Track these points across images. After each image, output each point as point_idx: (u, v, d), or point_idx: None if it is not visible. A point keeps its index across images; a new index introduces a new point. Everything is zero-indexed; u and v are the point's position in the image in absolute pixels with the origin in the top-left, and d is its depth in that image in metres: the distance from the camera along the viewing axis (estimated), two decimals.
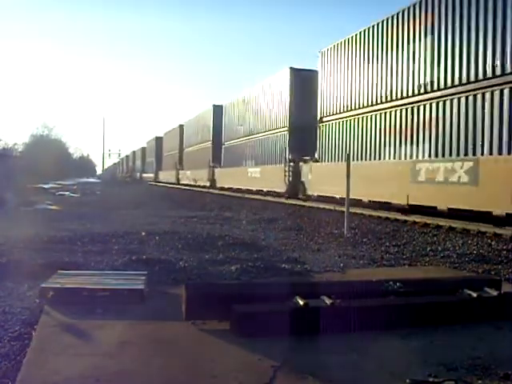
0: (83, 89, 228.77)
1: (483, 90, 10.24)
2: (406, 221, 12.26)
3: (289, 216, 13.78)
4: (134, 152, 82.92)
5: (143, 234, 8.69)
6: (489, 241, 9.05)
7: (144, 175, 65.25)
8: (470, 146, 10.26)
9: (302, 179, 18.31)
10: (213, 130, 31.58)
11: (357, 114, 15.03)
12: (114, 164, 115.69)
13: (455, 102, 11.02)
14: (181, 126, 43.57)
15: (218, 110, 31.24)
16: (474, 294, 4.03)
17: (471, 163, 9.98)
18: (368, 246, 8.20)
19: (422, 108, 12.10)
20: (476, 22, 10.49)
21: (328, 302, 3.69)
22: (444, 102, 11.34)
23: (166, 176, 47.98)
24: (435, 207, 11.09)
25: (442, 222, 11.19)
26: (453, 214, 10.54)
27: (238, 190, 25.05)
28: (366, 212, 14.14)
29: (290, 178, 18.91)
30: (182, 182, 39.77)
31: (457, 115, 10.91)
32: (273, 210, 16.32)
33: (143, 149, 70.53)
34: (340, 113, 16.13)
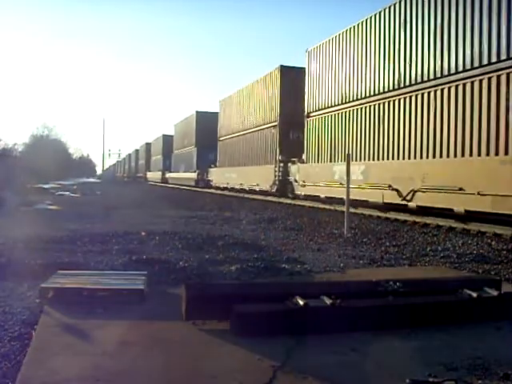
0: (83, 89, 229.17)
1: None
2: (405, 221, 12.26)
3: (289, 216, 13.78)
4: (147, 144, 64.91)
5: (143, 233, 8.69)
6: (489, 241, 9.05)
7: (170, 175, 45.71)
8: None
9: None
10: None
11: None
12: (118, 161, 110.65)
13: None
14: (274, 72, 21.71)
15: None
16: (474, 294, 4.03)
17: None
18: (368, 246, 8.20)
19: None
20: None
21: (328, 302, 3.69)
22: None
23: (238, 178, 25.36)
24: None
25: (442, 222, 11.20)
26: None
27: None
28: (366, 212, 14.15)
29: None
30: (307, 193, 17.61)
31: None
32: (273, 210, 16.33)
33: (166, 138, 51.19)
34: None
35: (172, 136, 48.30)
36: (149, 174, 60.64)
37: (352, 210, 12.19)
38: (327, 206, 16.13)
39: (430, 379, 2.77)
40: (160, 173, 51.17)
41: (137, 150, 77.15)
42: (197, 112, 37.51)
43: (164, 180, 48.49)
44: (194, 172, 35.52)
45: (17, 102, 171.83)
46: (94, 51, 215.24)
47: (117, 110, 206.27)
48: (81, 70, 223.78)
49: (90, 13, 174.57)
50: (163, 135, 53.23)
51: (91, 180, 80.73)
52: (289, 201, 19.71)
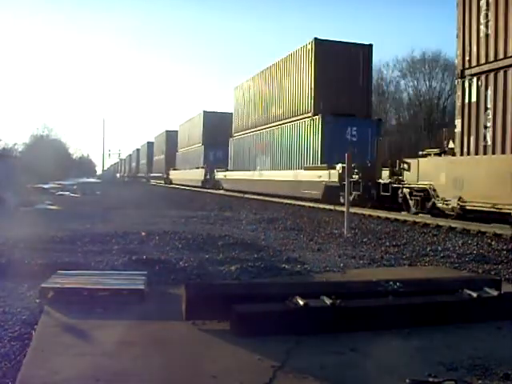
0: (83, 89, 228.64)
1: None
2: (405, 221, 12.26)
3: (289, 216, 13.78)
4: (168, 133, 50.84)
5: (143, 233, 8.68)
6: (489, 241, 9.05)
7: (230, 176, 28.02)
8: None
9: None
10: None
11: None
12: (121, 159, 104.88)
13: None
14: None
15: None
16: (474, 294, 4.03)
17: None
18: (368, 246, 8.20)
19: None
20: None
21: (328, 302, 3.69)
22: None
23: None
24: None
25: (442, 222, 11.19)
26: None
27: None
28: (366, 212, 14.15)
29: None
30: None
31: None
32: (273, 209, 16.33)
33: (209, 116, 35.55)
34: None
35: (223, 114, 33.04)
36: (173, 174, 44.82)
37: (352, 209, 12.18)
38: (327, 206, 16.13)
39: (430, 379, 2.77)
40: (200, 172, 34.04)
41: (150, 143, 63.09)
42: (316, 40, 18.88)
43: (210, 183, 32.04)
44: (326, 170, 16.57)
45: (17, 102, 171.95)
46: (94, 51, 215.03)
47: (117, 110, 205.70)
48: (81, 70, 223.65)
49: (89, 14, 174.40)
50: (204, 112, 36.16)
51: (91, 180, 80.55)
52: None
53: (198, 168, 35.35)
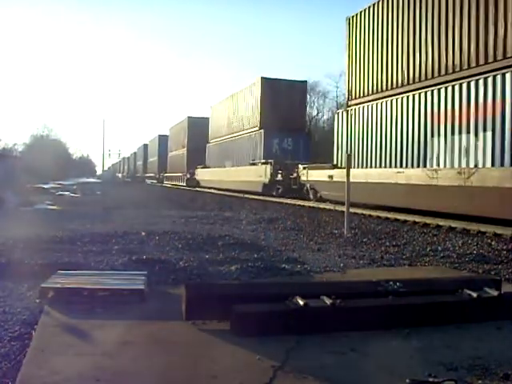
0: (83, 89, 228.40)
1: None
2: (405, 221, 12.26)
3: (289, 216, 13.79)
4: (191, 120, 38.98)
5: (143, 233, 8.69)
6: (489, 241, 9.05)
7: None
8: None
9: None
10: None
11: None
12: (124, 157, 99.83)
13: None
14: None
15: None
16: (474, 294, 4.03)
17: None
18: (368, 246, 8.20)
19: None
20: None
21: (328, 302, 3.69)
22: None
23: None
24: None
25: (442, 222, 11.20)
26: None
27: None
28: (366, 212, 14.15)
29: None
30: None
31: None
32: (273, 210, 16.33)
33: (269, 84, 23.17)
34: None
35: (289, 82, 23.68)
36: (202, 174, 33.52)
37: (352, 210, 12.18)
38: (327, 206, 16.14)
39: (430, 379, 2.77)
40: (260, 170, 22.16)
41: (162, 136, 51.77)
42: None
43: (279, 188, 21.29)
44: None
45: (17, 102, 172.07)
46: (94, 51, 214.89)
47: (117, 110, 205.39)
48: (81, 69, 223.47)
49: (89, 14, 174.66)
50: (262, 78, 23.88)
51: (91, 180, 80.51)
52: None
53: (253, 164, 23.18)
